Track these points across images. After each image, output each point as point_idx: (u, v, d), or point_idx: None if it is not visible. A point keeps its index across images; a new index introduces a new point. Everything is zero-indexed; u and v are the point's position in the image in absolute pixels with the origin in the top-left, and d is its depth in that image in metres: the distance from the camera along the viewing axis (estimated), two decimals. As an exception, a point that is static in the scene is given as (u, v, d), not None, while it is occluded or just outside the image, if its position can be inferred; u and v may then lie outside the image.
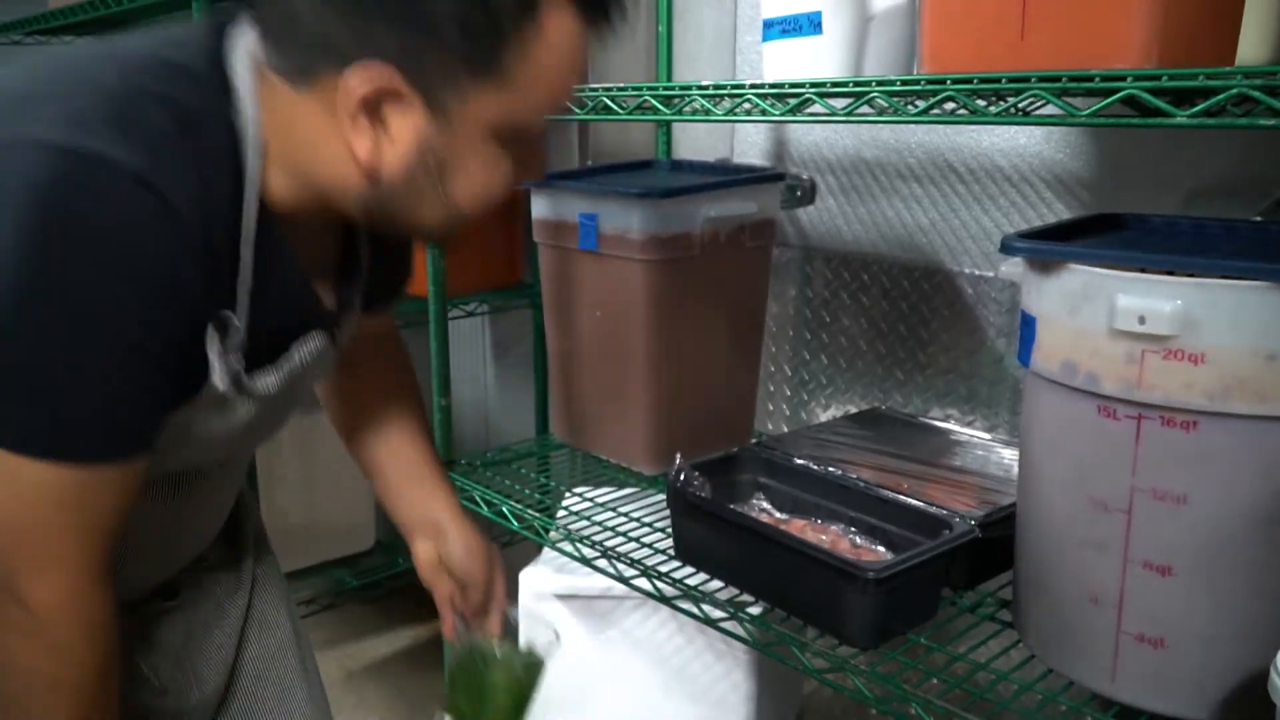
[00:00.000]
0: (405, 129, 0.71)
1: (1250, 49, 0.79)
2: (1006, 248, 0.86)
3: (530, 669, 0.96)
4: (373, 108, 0.70)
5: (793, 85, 0.88)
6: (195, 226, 0.69)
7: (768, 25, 1.07)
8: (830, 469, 1.16)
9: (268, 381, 0.81)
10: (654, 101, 1.02)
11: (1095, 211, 1.24)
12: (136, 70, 0.71)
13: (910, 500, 1.06)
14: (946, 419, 1.48)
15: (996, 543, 1.02)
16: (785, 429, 1.72)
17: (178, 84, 0.71)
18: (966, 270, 1.45)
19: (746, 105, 0.94)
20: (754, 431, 1.55)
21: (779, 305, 1.70)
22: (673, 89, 1.01)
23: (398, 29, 0.68)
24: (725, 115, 0.93)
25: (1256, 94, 0.61)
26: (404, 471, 1.04)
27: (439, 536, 1.01)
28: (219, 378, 0.76)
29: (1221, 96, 0.63)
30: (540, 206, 1.43)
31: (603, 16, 0.74)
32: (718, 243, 1.35)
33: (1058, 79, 0.70)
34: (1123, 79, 0.67)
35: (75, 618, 0.76)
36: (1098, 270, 0.79)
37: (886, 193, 1.54)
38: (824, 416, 1.65)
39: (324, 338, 0.86)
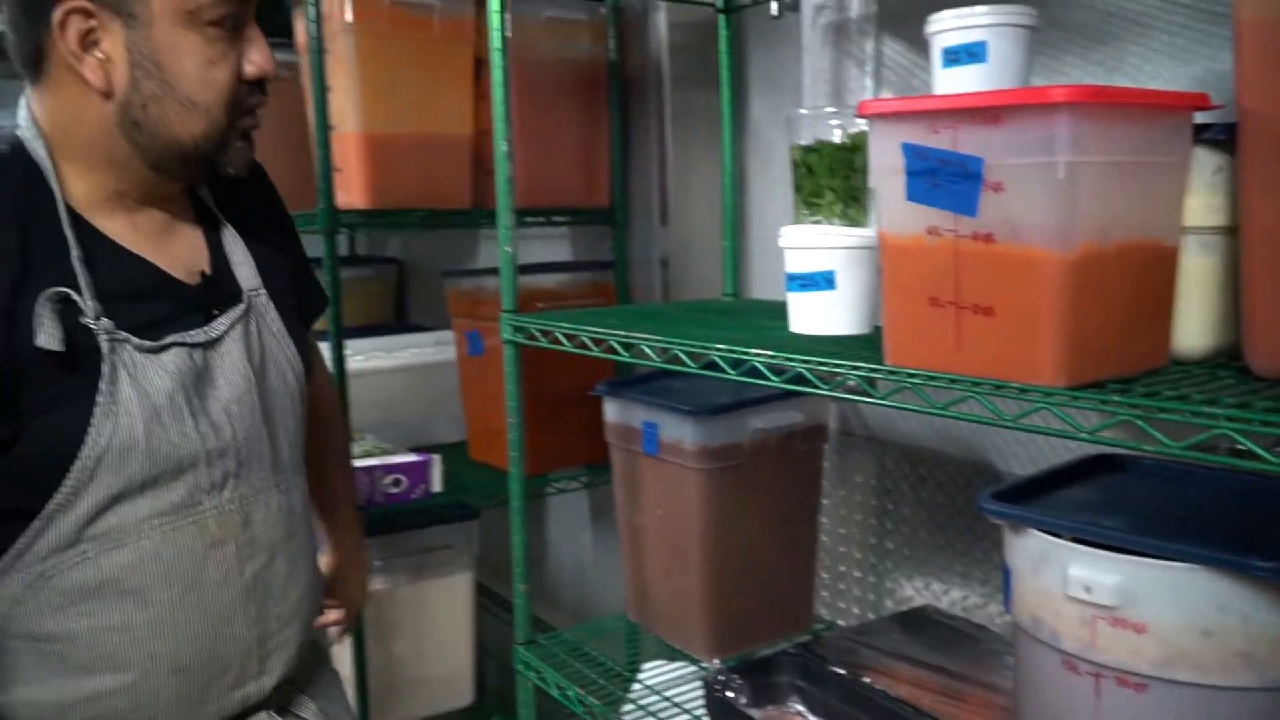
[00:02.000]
0: (114, 45, 0.94)
1: (1187, 340, 0.87)
2: (980, 506, 0.95)
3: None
4: (85, 42, 0.93)
5: (787, 357, 1.00)
6: None
7: (790, 279, 1.20)
8: (861, 678, 1.24)
9: (136, 341, 0.97)
10: (719, 361, 1.12)
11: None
12: None
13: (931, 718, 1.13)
14: (1002, 615, 1.52)
15: (1009, 765, 1.08)
16: (857, 611, 1.79)
17: None
18: (1014, 470, 1.51)
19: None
20: (815, 618, 1.63)
21: (847, 490, 1.79)
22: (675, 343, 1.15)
23: None
24: (740, 375, 1.06)
25: (1139, 422, 0.71)
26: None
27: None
28: (44, 338, 0.92)
29: (1111, 421, 0.72)
30: (611, 411, 1.58)
31: None
32: (767, 449, 1.47)
33: (982, 384, 0.80)
34: (1033, 393, 0.77)
35: None
36: (1051, 539, 0.87)
37: (941, 391, 1.62)
38: (891, 602, 1.71)
39: (206, 316, 1.04)
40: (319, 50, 1.78)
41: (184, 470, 1.00)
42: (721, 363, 1.09)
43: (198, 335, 1.03)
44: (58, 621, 0.98)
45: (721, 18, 1.72)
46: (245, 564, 1.05)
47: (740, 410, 1.43)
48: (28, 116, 1.00)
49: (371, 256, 3.11)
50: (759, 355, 1.04)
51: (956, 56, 1.01)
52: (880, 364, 0.91)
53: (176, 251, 1.06)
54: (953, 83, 1.01)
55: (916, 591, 1.68)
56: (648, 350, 1.20)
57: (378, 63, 1.83)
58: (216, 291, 1.07)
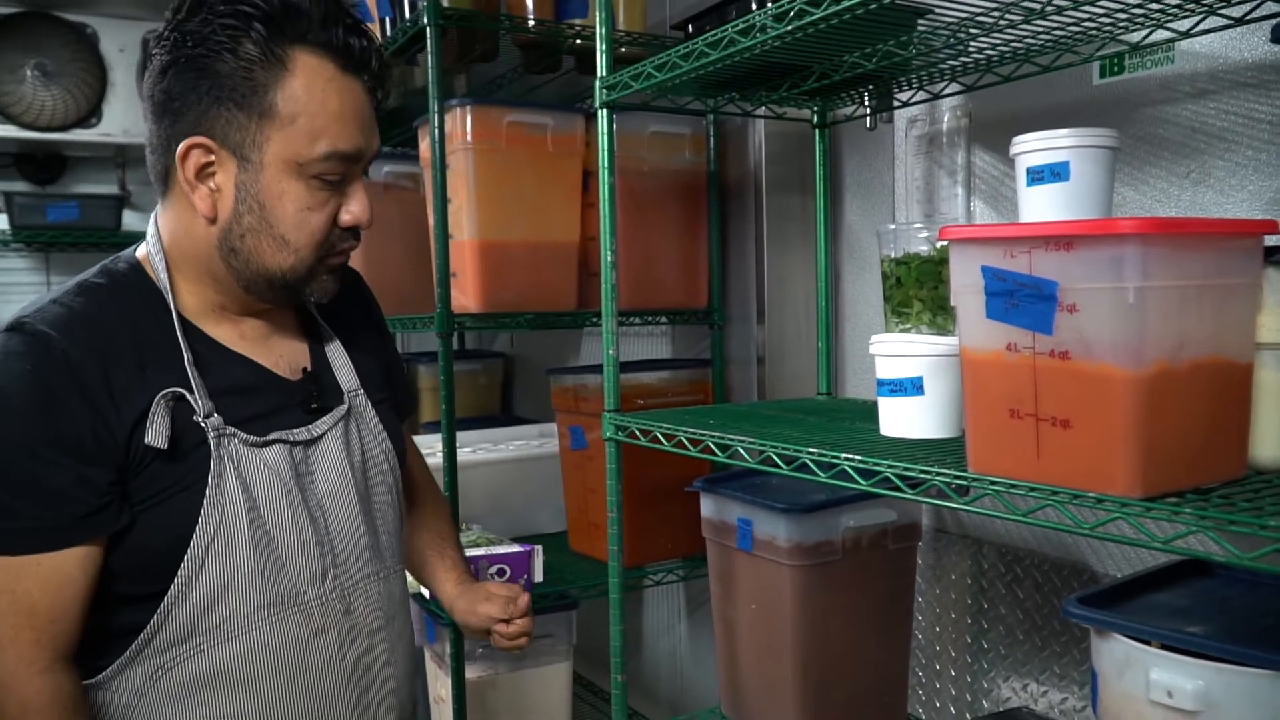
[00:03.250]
0: (226, 179, 1.04)
1: (1264, 451, 0.90)
2: (1065, 610, 0.98)
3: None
4: (201, 173, 1.03)
5: (875, 462, 1.06)
6: (86, 357, 0.99)
7: (880, 384, 1.26)
8: (953, 778, 1.25)
9: (242, 437, 1.06)
10: (810, 464, 1.19)
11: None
12: (86, 279, 1.09)
13: (1017, 822, 1.14)
14: (1100, 719, 1.51)
15: None
16: (953, 710, 1.78)
17: (100, 275, 1.09)
18: (1110, 571, 1.52)
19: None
20: (909, 716, 1.64)
21: (942, 587, 1.80)
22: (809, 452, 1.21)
23: (193, 108, 1.01)
24: (829, 478, 1.12)
25: (1209, 534, 0.74)
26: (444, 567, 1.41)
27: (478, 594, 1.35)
28: (153, 435, 1.00)
29: (1184, 532, 0.76)
30: (707, 507, 1.64)
31: (342, 52, 1.04)
32: (861, 546, 1.51)
33: (1061, 493, 0.85)
34: (1108, 502, 0.81)
35: (6, 695, 0.97)
36: (1134, 644, 0.90)
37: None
38: (987, 703, 1.71)
39: (306, 412, 1.13)
40: (441, 166, 1.93)
41: (285, 560, 1.08)
42: (812, 465, 1.15)
43: (301, 434, 1.12)
44: (175, 712, 1.05)
45: (817, 131, 1.81)
46: (347, 650, 1.12)
47: (833, 508, 1.47)
48: (154, 230, 1.12)
49: (479, 351, 3.26)
50: (848, 459, 1.10)
51: (1040, 175, 1.08)
52: (964, 470, 0.96)
53: (280, 352, 1.16)
54: (1037, 200, 1.07)
55: (1014, 692, 1.67)
56: (743, 452, 1.27)
57: (494, 176, 1.97)
58: (317, 385, 1.17)
